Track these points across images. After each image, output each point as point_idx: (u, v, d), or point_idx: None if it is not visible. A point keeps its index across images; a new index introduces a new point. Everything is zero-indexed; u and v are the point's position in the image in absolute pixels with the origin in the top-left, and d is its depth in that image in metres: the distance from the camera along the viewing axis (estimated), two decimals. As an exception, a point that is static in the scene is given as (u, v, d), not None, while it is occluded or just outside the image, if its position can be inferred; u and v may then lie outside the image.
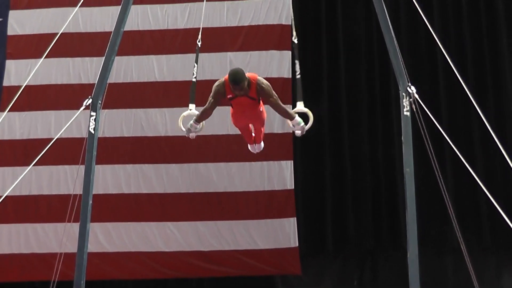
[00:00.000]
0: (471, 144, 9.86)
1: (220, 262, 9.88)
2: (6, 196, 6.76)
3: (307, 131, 6.17)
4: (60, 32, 7.15)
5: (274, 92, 5.93)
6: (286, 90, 9.67)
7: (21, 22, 10.43)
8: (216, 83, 5.93)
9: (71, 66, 10.30)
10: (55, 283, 6.36)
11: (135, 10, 10.11)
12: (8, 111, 7.57)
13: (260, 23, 10.26)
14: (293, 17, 7.66)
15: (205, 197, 10.00)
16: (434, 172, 5.88)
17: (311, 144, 9.92)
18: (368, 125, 10.20)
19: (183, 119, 6.24)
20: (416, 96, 5.89)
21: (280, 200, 9.90)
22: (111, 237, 9.93)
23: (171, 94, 10.16)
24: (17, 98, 7.15)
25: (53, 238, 9.76)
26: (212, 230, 9.92)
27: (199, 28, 9.96)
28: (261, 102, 5.98)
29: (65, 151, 9.63)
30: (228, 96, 5.87)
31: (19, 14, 10.45)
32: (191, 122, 6.04)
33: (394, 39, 6.06)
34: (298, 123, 6.02)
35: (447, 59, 6.47)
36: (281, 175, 9.93)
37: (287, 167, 9.94)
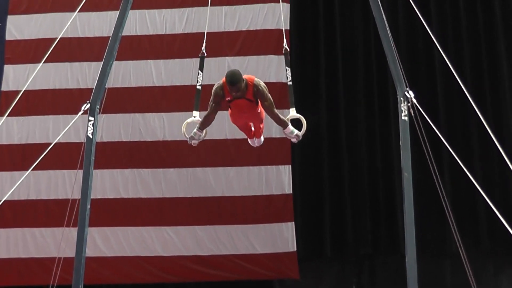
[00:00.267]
0: (469, 149, 9.87)
1: (218, 267, 9.87)
2: (4, 201, 6.76)
3: (304, 136, 6.18)
4: (58, 37, 7.15)
5: (270, 96, 5.94)
6: (284, 95, 9.60)
7: (20, 27, 10.45)
8: (215, 86, 5.95)
9: (69, 71, 10.31)
10: (53, 288, 6.36)
11: (133, 15, 10.12)
12: (7, 116, 7.56)
13: (258, 28, 10.29)
14: (284, 26, 7.67)
15: (203, 201, 10.00)
16: (432, 176, 5.88)
17: (309, 149, 9.93)
18: (366, 130, 10.20)
19: (186, 126, 6.25)
20: (414, 100, 5.90)
21: (278, 204, 9.90)
22: (109, 242, 9.92)
23: (169, 98, 10.18)
24: (15, 103, 7.14)
25: (51, 242, 9.76)
26: (210, 234, 9.92)
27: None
28: (259, 103, 5.98)
29: (63, 156, 9.64)
30: (227, 99, 5.89)
31: (17, 19, 10.46)
32: (195, 130, 6.08)
33: (392, 44, 6.07)
34: (291, 132, 6.07)
35: (445, 64, 6.48)
36: (279, 179, 9.94)
37: (285, 171, 9.95)
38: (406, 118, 5.91)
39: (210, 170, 10.04)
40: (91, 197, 6.26)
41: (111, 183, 10.03)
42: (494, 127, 9.31)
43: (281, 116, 6.08)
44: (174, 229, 9.96)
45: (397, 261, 9.39)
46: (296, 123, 6.30)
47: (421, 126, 5.80)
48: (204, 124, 6.04)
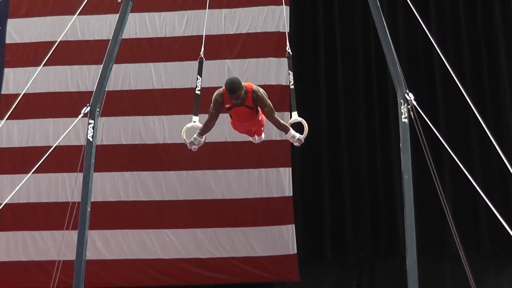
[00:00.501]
0: (469, 150, 9.87)
1: (218, 269, 9.87)
2: (4, 204, 6.75)
3: (305, 138, 6.19)
4: (58, 40, 7.16)
5: (269, 102, 5.98)
6: (284, 97, 9.70)
7: (20, 30, 10.45)
8: (215, 94, 5.98)
9: (69, 74, 10.32)
10: (53, 291, 6.35)
11: (133, 18, 10.13)
12: (7, 119, 7.57)
13: (258, 31, 10.29)
14: (288, 29, 7.68)
15: (203, 204, 10.00)
16: (432, 178, 5.88)
17: (309, 151, 9.92)
18: (366, 132, 10.21)
19: (186, 131, 6.27)
20: (414, 103, 5.90)
21: (278, 207, 9.90)
22: (109, 245, 9.92)
23: (169, 101, 10.19)
24: (15, 106, 7.14)
25: (51, 245, 9.75)
26: (210, 237, 9.92)
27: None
28: (259, 110, 6.01)
29: (64, 159, 9.65)
30: (226, 106, 5.93)
31: (17, 22, 10.46)
32: (195, 135, 6.11)
33: (392, 46, 6.07)
34: (293, 136, 6.10)
35: (444, 66, 6.49)
36: (279, 182, 9.94)
37: (285, 174, 9.95)
38: (406, 120, 5.91)
39: (210, 173, 10.04)
40: (91, 200, 6.26)
41: (111, 186, 10.03)
42: (494, 129, 9.34)
43: (282, 121, 6.11)
44: (174, 232, 9.96)
45: (397, 263, 9.42)
46: (298, 126, 6.32)
47: (421, 128, 5.80)
48: (204, 130, 6.09)
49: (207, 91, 6.55)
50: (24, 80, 10.06)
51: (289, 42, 6.81)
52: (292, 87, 6.47)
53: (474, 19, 10.29)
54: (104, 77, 6.37)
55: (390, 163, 9.93)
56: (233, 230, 9.92)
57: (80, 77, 10.30)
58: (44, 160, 6.42)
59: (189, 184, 10.04)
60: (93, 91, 6.41)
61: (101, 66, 6.38)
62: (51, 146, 6.62)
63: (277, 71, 10.10)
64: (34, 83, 8.68)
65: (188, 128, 6.30)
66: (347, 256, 10.03)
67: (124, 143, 10.16)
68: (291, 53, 6.64)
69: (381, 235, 9.98)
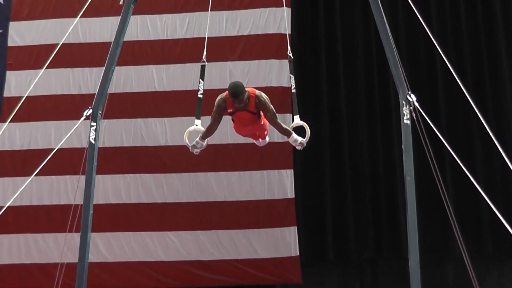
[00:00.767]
0: (471, 152, 9.87)
1: (220, 272, 9.86)
2: (6, 207, 6.76)
3: (306, 142, 6.22)
4: (60, 43, 7.16)
5: (272, 107, 6.04)
6: (286, 99, 9.68)
7: (21, 33, 10.46)
8: (218, 98, 6.02)
9: (71, 76, 10.32)
10: (56, 293, 6.35)
11: (135, 21, 10.13)
12: (9, 122, 7.57)
13: (259, 33, 10.29)
14: (289, 32, 7.68)
15: (205, 206, 10.00)
16: (434, 180, 5.88)
17: (311, 153, 9.91)
18: (368, 133, 10.20)
19: (188, 134, 6.29)
20: (416, 104, 5.90)
21: (280, 209, 9.89)
22: (111, 247, 9.92)
23: (171, 103, 10.19)
24: (17, 109, 7.15)
25: (54, 248, 9.76)
26: (212, 239, 9.92)
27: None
28: (261, 115, 6.04)
29: (66, 162, 9.66)
30: (229, 111, 5.96)
31: (19, 25, 10.47)
32: (197, 139, 6.16)
33: (394, 48, 6.07)
34: (295, 140, 6.15)
35: (446, 67, 6.48)
36: (281, 184, 9.93)
37: (287, 176, 9.94)
38: (408, 121, 5.91)
39: (212, 175, 10.04)
40: (94, 203, 6.26)
41: (113, 188, 10.03)
42: (496, 130, 9.33)
43: (284, 126, 6.15)
44: (176, 234, 9.96)
45: (399, 265, 9.41)
46: (300, 130, 6.33)
47: (423, 130, 5.80)
48: (207, 134, 6.15)
49: (209, 93, 6.55)
50: (26, 83, 10.06)
51: (290, 44, 6.82)
52: (293, 91, 6.49)
53: (475, 20, 10.28)
54: (106, 80, 6.37)
55: (392, 165, 9.92)
56: (235, 232, 9.91)
57: (82, 80, 10.30)
58: (46, 162, 6.42)
59: (191, 186, 10.04)
60: (95, 94, 6.42)
61: (103, 68, 6.39)
62: (53, 149, 6.62)
63: (278, 73, 10.10)
64: (36, 86, 8.61)
65: (190, 131, 6.33)
66: (349, 258, 10.02)
67: (126, 145, 10.16)
68: (292, 57, 6.66)
69: (383, 237, 9.97)
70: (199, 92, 6.41)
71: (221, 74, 10.02)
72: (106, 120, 9.58)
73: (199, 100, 6.39)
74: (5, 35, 10.43)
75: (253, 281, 9.88)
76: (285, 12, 9.66)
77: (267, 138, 6.74)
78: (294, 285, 9.93)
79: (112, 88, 8.91)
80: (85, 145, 6.31)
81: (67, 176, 9.91)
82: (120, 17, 6.51)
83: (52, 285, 6.40)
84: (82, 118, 6.29)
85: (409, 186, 5.82)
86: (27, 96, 7.49)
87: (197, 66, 9.74)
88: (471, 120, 9.73)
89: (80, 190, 6.30)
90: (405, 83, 6.04)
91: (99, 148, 6.38)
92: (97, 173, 6.41)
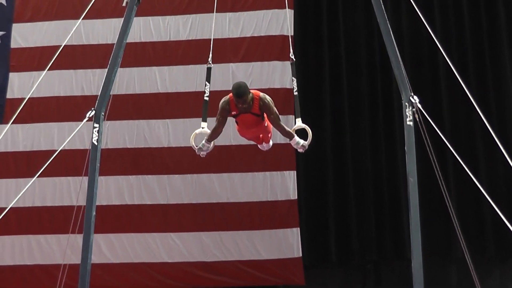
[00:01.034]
0: (474, 153, 9.85)
1: (223, 273, 9.87)
2: (9, 208, 6.76)
3: (308, 144, 6.23)
4: (63, 45, 7.16)
5: (275, 109, 6.05)
6: (289, 100, 9.68)
7: (24, 35, 10.48)
8: (222, 101, 6.05)
9: (74, 78, 10.33)
10: (58, 295, 6.35)
11: (137, 22, 10.13)
12: (12, 123, 7.58)
13: (262, 34, 10.30)
14: (292, 33, 7.68)
15: (208, 207, 10.00)
16: (437, 181, 5.87)
17: (313, 154, 9.89)
18: (371, 135, 10.20)
19: (195, 137, 6.32)
20: (419, 105, 5.89)
21: (283, 210, 9.89)
22: (114, 248, 9.93)
23: (174, 105, 10.20)
24: (20, 111, 7.16)
25: (56, 249, 9.77)
26: (215, 240, 9.92)
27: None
28: (265, 118, 6.05)
29: (69, 163, 9.66)
30: (233, 113, 5.98)
31: (22, 27, 10.49)
32: (203, 141, 6.21)
33: (397, 49, 6.07)
34: (297, 143, 6.19)
35: (449, 68, 6.48)
36: (284, 185, 9.93)
37: (290, 177, 9.95)
38: (411, 123, 5.90)
39: (215, 176, 10.05)
40: (96, 204, 6.26)
41: (116, 190, 10.05)
42: (499, 131, 9.31)
43: (287, 128, 6.17)
44: (179, 235, 9.96)
45: (402, 267, 9.41)
46: (301, 132, 6.34)
47: (426, 131, 5.79)
48: (212, 137, 6.19)
49: (212, 95, 6.55)
50: (29, 85, 10.09)
51: (293, 47, 6.83)
52: (296, 93, 6.50)
53: (478, 22, 10.27)
54: (109, 81, 6.37)
55: (395, 166, 9.91)
56: (238, 233, 9.92)
57: (85, 81, 10.31)
58: (49, 164, 6.42)
59: (194, 188, 10.05)
60: (97, 95, 6.41)
61: (106, 70, 6.39)
62: (56, 150, 6.62)
63: (281, 75, 10.10)
64: (39, 88, 8.69)
65: (196, 134, 6.36)
66: (352, 260, 10.02)
67: (129, 147, 10.18)
68: (294, 59, 6.67)
69: (386, 239, 9.96)
70: (205, 95, 6.42)
71: (223, 76, 10.02)
72: (109, 122, 9.57)
73: (205, 103, 6.41)
74: (8, 36, 10.46)
75: (256, 283, 9.88)
76: (288, 14, 9.69)
77: (270, 142, 6.74)
78: (296, 286, 9.93)
79: (115, 90, 8.89)
80: (87, 146, 6.30)
81: (69, 178, 9.92)
82: (123, 18, 6.51)
83: (55, 286, 6.39)
84: (85, 120, 6.29)
85: (412, 188, 5.81)
86: (30, 98, 7.50)
87: (200, 68, 9.86)
88: (474, 121, 9.72)
89: (82, 191, 6.30)
90: (407, 84, 6.03)
91: (102, 149, 6.37)
92: (100, 174, 6.40)
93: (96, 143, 6.19)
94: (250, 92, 5.88)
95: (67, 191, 10.00)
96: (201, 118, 6.44)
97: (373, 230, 9.96)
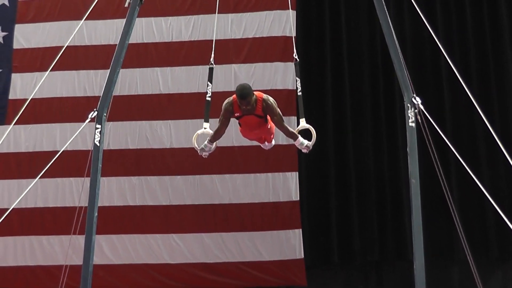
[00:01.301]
0: (476, 154, 9.84)
1: (225, 274, 9.87)
2: (11, 209, 6.77)
3: (312, 145, 6.23)
4: (65, 45, 7.16)
5: (278, 111, 6.05)
6: (291, 101, 9.70)
7: (27, 35, 10.49)
8: (225, 102, 6.04)
9: (76, 79, 10.34)
10: (60, 296, 6.35)
11: (140, 23, 10.15)
12: (14, 124, 7.58)
13: (264, 35, 10.30)
14: (294, 34, 7.68)
15: (210, 209, 10.00)
16: (439, 182, 5.87)
17: (316, 156, 9.90)
18: (373, 136, 10.19)
19: (197, 138, 6.32)
20: (421, 107, 5.89)
21: (285, 211, 9.89)
22: (116, 249, 9.93)
23: (176, 106, 10.20)
24: (22, 111, 7.16)
25: (58, 250, 9.77)
26: (217, 241, 9.92)
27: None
28: (268, 119, 6.05)
29: (71, 164, 9.66)
30: (236, 115, 5.99)
31: (24, 28, 10.50)
32: (206, 142, 6.21)
33: (399, 50, 6.06)
34: (301, 143, 6.18)
35: (451, 69, 6.47)
36: (286, 186, 9.93)
37: (292, 178, 9.94)
38: (413, 124, 5.90)
39: (217, 178, 10.04)
40: (98, 205, 6.26)
41: (118, 191, 10.05)
42: (501, 132, 9.32)
43: (291, 129, 6.18)
44: (181, 237, 9.96)
45: (404, 268, 9.40)
46: (305, 132, 6.33)
47: (428, 132, 5.79)
48: (215, 138, 6.18)
49: (214, 96, 6.54)
50: (31, 85, 10.09)
51: (295, 47, 6.82)
52: (299, 93, 6.49)
53: (480, 23, 10.27)
54: (111, 82, 6.37)
55: (397, 168, 9.91)
56: (240, 234, 9.91)
57: (87, 82, 10.32)
58: (51, 165, 6.43)
59: (196, 189, 10.04)
60: (100, 96, 6.42)
61: (108, 71, 6.39)
62: (58, 151, 6.63)
63: (283, 76, 10.10)
64: (41, 88, 8.67)
65: (199, 134, 6.36)
66: (354, 261, 10.01)
67: (131, 147, 10.18)
68: (298, 60, 6.66)
69: (388, 240, 9.96)
70: (207, 95, 6.41)
71: (226, 77, 10.02)
72: (111, 123, 9.59)
73: (207, 103, 6.40)
74: (10, 37, 10.47)
75: (258, 284, 9.88)
76: (291, 15, 9.68)
77: (273, 142, 6.75)
78: (298, 287, 9.92)
79: (117, 91, 8.92)
80: (90, 147, 6.30)
81: (72, 178, 9.93)
82: (125, 19, 6.51)
83: (57, 287, 6.40)
84: (87, 120, 6.29)
85: (414, 189, 5.80)
86: (32, 98, 7.52)
87: (202, 69, 9.86)
88: (476, 122, 9.71)
89: (85, 192, 6.30)
90: (410, 85, 6.02)
91: (104, 150, 6.38)
92: (102, 175, 6.40)
93: (98, 144, 6.19)
94: (253, 94, 5.87)
95: (69, 192, 10.00)
96: (203, 119, 6.44)
97: (375, 231, 9.96)
